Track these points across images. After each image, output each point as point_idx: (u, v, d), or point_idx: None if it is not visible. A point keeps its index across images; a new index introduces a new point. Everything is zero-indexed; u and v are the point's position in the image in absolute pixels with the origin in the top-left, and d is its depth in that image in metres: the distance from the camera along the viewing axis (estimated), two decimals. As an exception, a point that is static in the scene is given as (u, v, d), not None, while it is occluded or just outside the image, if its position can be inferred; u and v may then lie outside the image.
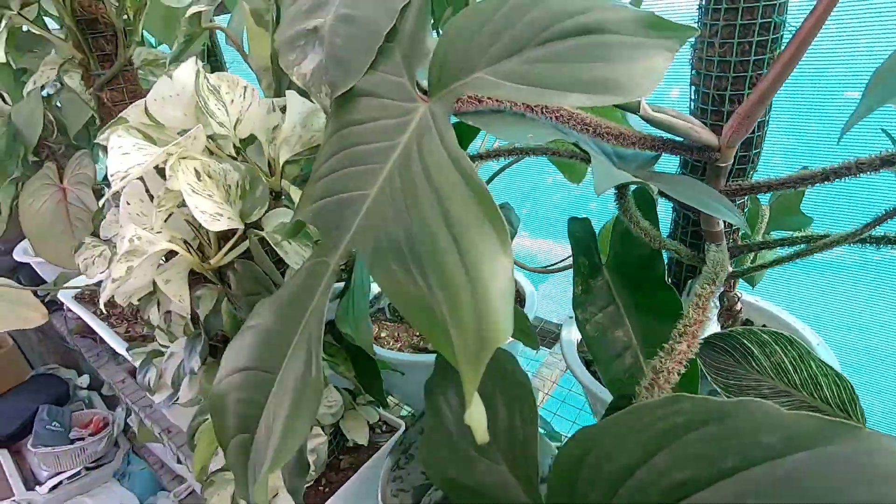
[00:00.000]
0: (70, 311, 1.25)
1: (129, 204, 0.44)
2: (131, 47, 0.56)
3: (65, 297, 1.05)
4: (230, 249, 0.46)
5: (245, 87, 0.46)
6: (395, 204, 0.29)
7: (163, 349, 0.74)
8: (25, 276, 1.53)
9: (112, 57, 0.56)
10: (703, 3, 0.46)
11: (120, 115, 0.42)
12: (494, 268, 0.23)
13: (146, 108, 0.42)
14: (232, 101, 0.45)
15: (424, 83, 0.33)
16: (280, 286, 0.45)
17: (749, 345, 0.46)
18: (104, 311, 1.03)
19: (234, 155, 0.47)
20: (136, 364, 0.83)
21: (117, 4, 0.53)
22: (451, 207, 0.25)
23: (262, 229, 0.46)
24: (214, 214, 0.41)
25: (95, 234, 0.94)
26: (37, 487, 1.47)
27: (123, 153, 0.39)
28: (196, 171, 0.42)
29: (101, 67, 0.56)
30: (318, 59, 0.35)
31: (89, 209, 0.92)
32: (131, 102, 0.59)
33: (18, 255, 1.29)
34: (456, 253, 0.24)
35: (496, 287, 0.23)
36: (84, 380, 1.78)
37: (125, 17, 0.54)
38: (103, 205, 0.94)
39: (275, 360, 0.33)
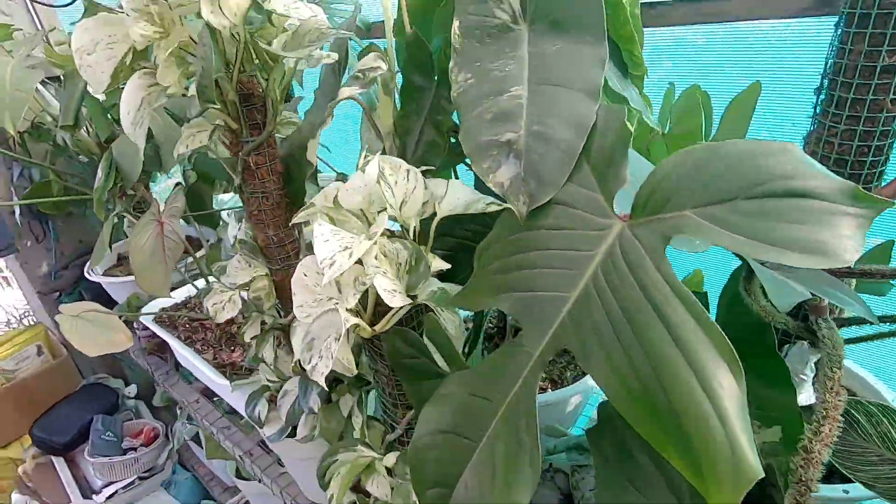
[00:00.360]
0: (142, 329, 1.31)
1: (306, 276, 0.50)
2: (278, 117, 0.61)
3: (147, 320, 1.10)
4: (392, 316, 0.51)
5: (408, 171, 0.51)
6: (609, 314, 0.34)
7: (270, 384, 0.79)
8: (87, 291, 1.59)
9: (260, 126, 0.61)
10: (822, 106, 0.51)
11: (310, 201, 0.47)
12: (736, 405, 0.28)
13: (336, 197, 0.47)
14: (396, 182, 0.51)
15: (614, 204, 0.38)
16: (448, 354, 0.50)
17: (856, 414, 0.51)
18: (188, 335, 1.09)
19: (392, 231, 0.52)
20: (231, 392, 0.89)
21: (267, 82, 0.59)
22: (684, 340, 0.30)
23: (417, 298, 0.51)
24: (392, 291, 0.46)
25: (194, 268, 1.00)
26: (93, 496, 1.52)
27: (325, 240, 0.44)
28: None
29: (251, 135, 0.61)
30: (514, 170, 0.40)
31: (179, 239, 0.97)
32: (271, 164, 0.64)
33: (90, 274, 1.35)
34: (699, 388, 0.29)
35: (742, 426, 0.28)
36: (131, 389, 1.83)
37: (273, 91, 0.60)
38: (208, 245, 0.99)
39: (475, 431, 0.39)
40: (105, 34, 0.55)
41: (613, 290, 0.35)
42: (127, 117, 0.56)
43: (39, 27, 1.51)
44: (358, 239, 0.44)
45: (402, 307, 0.52)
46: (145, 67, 0.60)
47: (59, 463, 1.61)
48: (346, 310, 0.46)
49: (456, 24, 0.48)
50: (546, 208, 0.40)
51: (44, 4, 1.46)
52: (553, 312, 0.37)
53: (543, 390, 0.81)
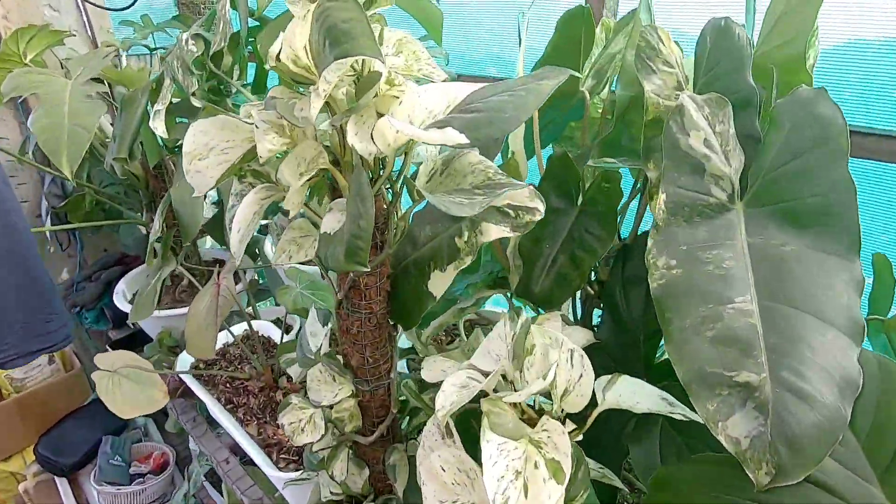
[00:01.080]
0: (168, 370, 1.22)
1: (444, 470, 0.42)
2: (399, 239, 0.54)
3: (187, 378, 1.02)
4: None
5: (571, 352, 0.43)
6: None
7: (333, 497, 0.71)
8: (109, 307, 1.50)
9: (378, 245, 0.53)
10: None
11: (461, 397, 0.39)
12: None
13: (501, 397, 0.39)
14: (557, 364, 0.43)
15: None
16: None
17: None
18: (228, 396, 1.01)
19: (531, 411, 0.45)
20: (284, 488, 0.81)
21: (392, 203, 0.52)
22: None
23: None
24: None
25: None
26: (96, 526, 1.44)
27: (493, 463, 0.36)
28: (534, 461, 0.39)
29: (371, 253, 0.53)
30: (756, 428, 0.32)
31: (231, 296, 0.90)
32: (380, 284, 0.56)
33: (119, 302, 1.26)
34: None
35: None
36: (141, 406, 1.75)
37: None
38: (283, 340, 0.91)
39: None
40: (222, 139, 0.47)
41: None
42: (237, 235, 0.48)
43: (88, 27, 1.42)
44: (531, 467, 0.36)
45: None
46: (254, 170, 0.52)
47: (63, 484, 1.53)
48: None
49: (662, 196, 0.40)
50: (796, 486, 0.32)
51: (98, 7, 1.37)
52: None
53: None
